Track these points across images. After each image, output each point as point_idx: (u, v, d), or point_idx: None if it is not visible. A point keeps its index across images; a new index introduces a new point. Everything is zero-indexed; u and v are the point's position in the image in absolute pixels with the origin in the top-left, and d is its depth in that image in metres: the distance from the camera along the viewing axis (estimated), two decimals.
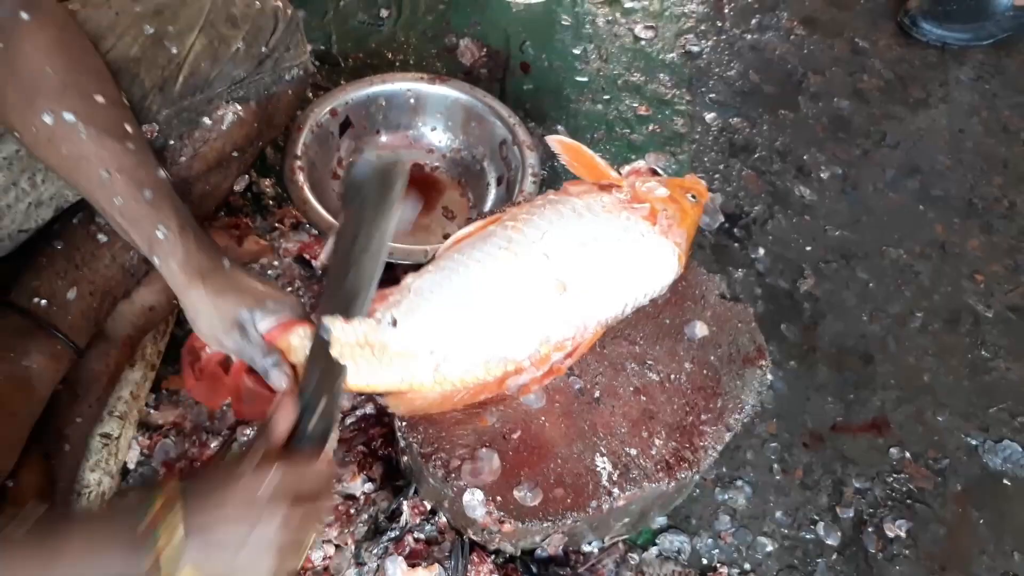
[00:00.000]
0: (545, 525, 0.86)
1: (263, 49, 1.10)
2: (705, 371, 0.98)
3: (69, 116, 0.84)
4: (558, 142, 1.11)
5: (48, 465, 1.00)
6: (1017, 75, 1.84)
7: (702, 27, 1.84)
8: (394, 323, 0.87)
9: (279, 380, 0.85)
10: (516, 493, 0.86)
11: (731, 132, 1.65)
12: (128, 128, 0.88)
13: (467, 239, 0.95)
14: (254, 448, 0.74)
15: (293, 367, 0.86)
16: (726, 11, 1.89)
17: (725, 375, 0.98)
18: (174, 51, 1.02)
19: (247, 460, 0.72)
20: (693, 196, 1.06)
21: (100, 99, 0.87)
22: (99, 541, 0.66)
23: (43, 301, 0.97)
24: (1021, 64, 1.86)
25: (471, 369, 0.87)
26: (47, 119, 0.84)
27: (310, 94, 1.53)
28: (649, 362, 0.98)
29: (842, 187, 1.59)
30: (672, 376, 0.97)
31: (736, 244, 1.47)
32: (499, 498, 0.86)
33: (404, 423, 0.90)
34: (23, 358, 0.92)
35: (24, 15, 0.85)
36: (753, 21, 1.87)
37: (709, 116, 1.67)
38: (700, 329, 1.01)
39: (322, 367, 0.83)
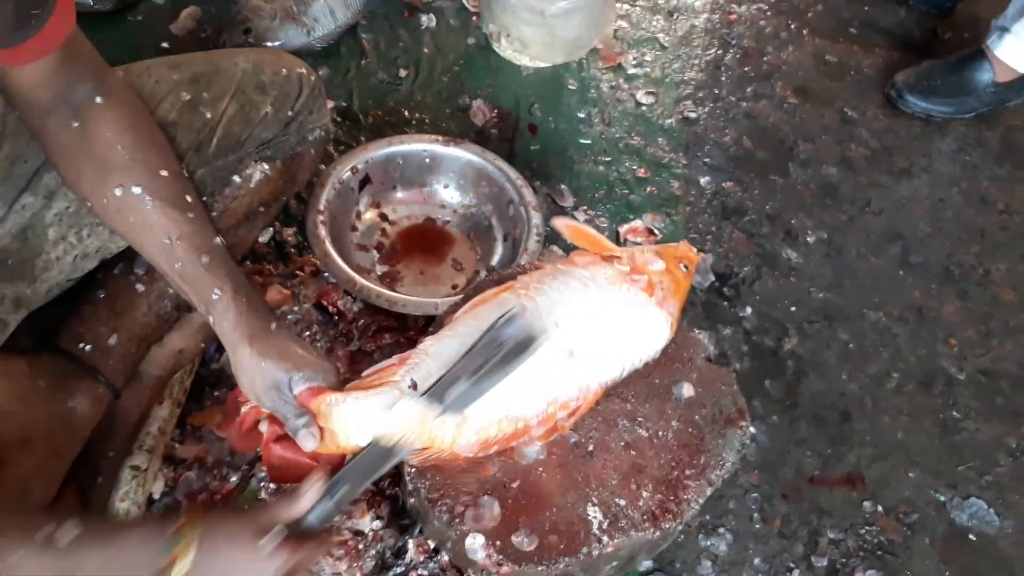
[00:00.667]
0: (540, 569, 0.93)
1: (289, 113, 1.19)
2: (690, 429, 1.06)
3: (136, 189, 0.93)
4: (565, 226, 1.19)
5: (82, 496, 1.07)
6: (997, 148, 1.93)
7: (700, 94, 1.94)
8: (414, 386, 0.95)
9: (307, 441, 0.93)
10: (514, 538, 0.94)
11: (724, 195, 1.74)
12: (188, 199, 0.97)
13: (482, 304, 1.04)
14: (274, 508, 0.83)
15: (321, 430, 0.94)
16: (723, 79, 1.98)
17: (708, 434, 1.06)
18: (208, 115, 1.11)
19: (264, 514, 0.81)
20: (685, 266, 1.15)
21: (164, 173, 0.96)
22: (127, 539, 0.77)
23: (88, 346, 1.05)
24: (1001, 137, 1.95)
25: (486, 428, 0.95)
26: (117, 192, 0.93)
27: (331, 150, 1.62)
28: (639, 419, 1.06)
29: (827, 251, 1.68)
30: (660, 433, 1.05)
31: (725, 303, 1.56)
32: (498, 542, 0.93)
33: (413, 469, 0.98)
34: (69, 399, 1.01)
35: (99, 99, 0.94)
36: (748, 89, 1.97)
37: (704, 180, 1.76)
38: (687, 390, 1.09)
39: (365, 464, 0.92)
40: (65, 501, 1.04)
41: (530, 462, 0.99)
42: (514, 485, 0.98)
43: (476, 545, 0.93)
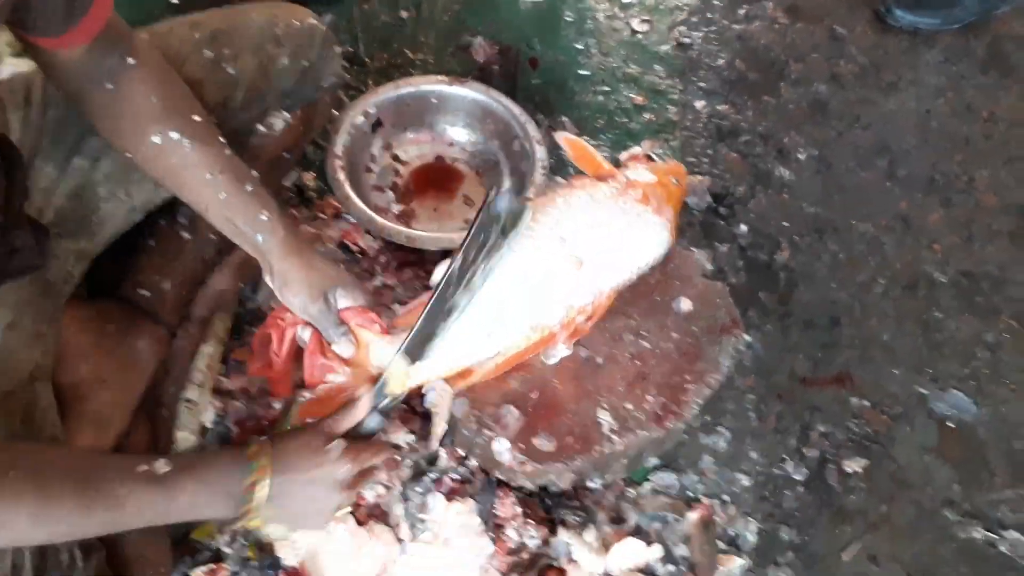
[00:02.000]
0: (558, 466, 1.08)
1: (304, 63, 1.28)
2: (689, 339, 1.19)
3: (174, 134, 1.01)
4: (565, 140, 1.31)
5: (151, 426, 1.21)
6: (983, 57, 2.01)
7: (693, 19, 2.01)
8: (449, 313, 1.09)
9: (346, 349, 1.07)
10: (535, 441, 1.08)
11: (719, 118, 1.83)
12: (220, 138, 1.06)
13: None
14: (332, 421, 0.97)
15: (357, 340, 1.08)
16: (715, 2, 2.05)
17: (705, 342, 1.19)
18: (231, 71, 1.20)
19: (324, 427, 0.95)
20: (675, 179, 1.26)
21: (196, 117, 1.04)
22: (212, 466, 0.89)
23: (146, 292, 1.18)
24: (987, 46, 2.03)
25: (517, 340, 1.09)
26: (156, 139, 1.01)
27: (342, 95, 1.71)
28: (643, 333, 1.19)
29: (818, 167, 1.78)
30: (662, 344, 1.18)
31: (722, 221, 1.67)
32: (521, 445, 1.07)
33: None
34: (136, 341, 1.13)
35: (129, 60, 1.03)
36: (740, 11, 2.03)
37: (699, 104, 1.85)
38: (685, 305, 1.21)
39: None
40: (138, 432, 1.17)
41: (556, 362, 1.14)
42: (533, 396, 1.12)
43: (502, 448, 1.07)
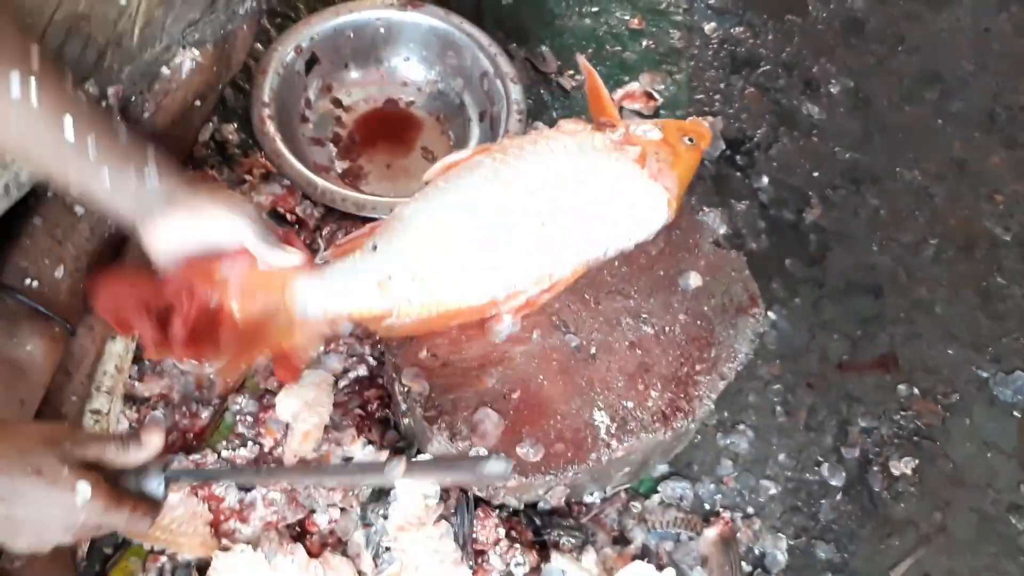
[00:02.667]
0: (547, 479, 1.12)
1: None
2: (699, 322, 1.24)
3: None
4: (584, 65, 1.39)
5: None
6: None
7: None
8: (374, 248, 1.12)
9: (292, 257, 1.07)
10: (519, 450, 1.12)
11: (733, 44, 1.88)
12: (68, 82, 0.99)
13: (455, 167, 1.19)
14: (101, 443, 0.88)
15: None
16: None
17: (719, 325, 1.24)
18: (123, 2, 1.22)
19: (86, 443, 0.87)
20: (690, 139, 1.29)
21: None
22: None
23: (34, 282, 1.20)
24: None
25: (447, 293, 1.12)
26: None
27: (266, 24, 1.73)
28: (644, 315, 1.23)
29: (853, 102, 1.83)
30: (667, 328, 1.23)
31: (738, 173, 1.72)
32: (502, 455, 1.12)
33: (406, 388, 1.16)
34: (25, 343, 1.16)
35: None
36: None
37: (708, 27, 1.90)
38: (694, 280, 1.26)
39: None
40: None
41: (502, 340, 1.18)
42: (515, 395, 1.16)
43: None
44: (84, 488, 0.83)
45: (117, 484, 0.88)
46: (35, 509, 0.83)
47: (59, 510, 0.84)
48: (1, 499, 0.82)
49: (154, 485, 0.91)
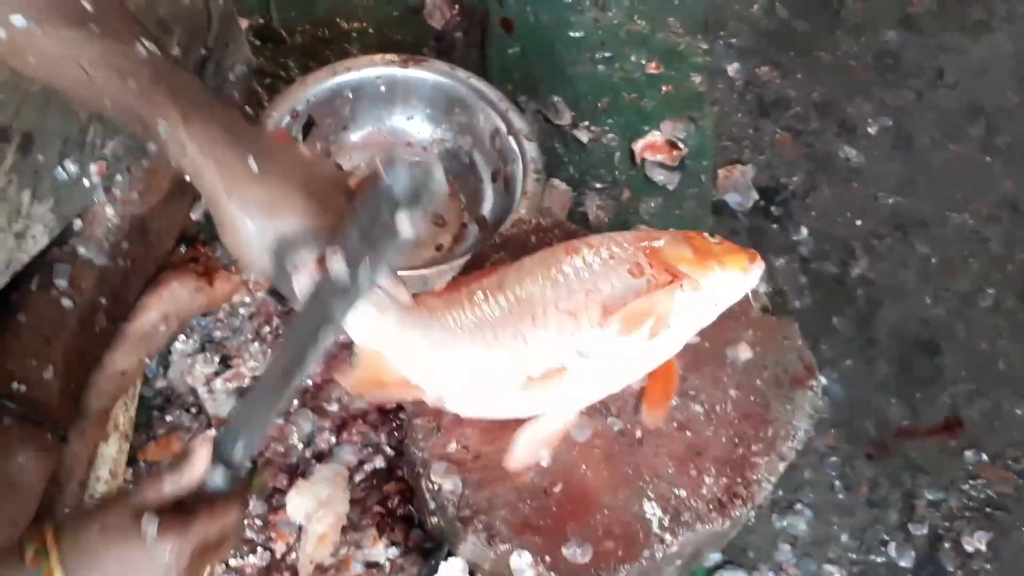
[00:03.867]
0: None
1: (202, 51, 1.30)
2: (752, 397, 1.22)
3: (17, 19, 0.91)
4: None
5: None
6: None
7: None
8: None
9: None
10: (565, 551, 1.10)
11: (759, 85, 1.88)
12: (88, 6, 0.95)
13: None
14: (152, 482, 0.90)
15: None
16: None
17: (774, 399, 1.22)
18: None
19: (139, 491, 0.89)
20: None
21: None
22: None
23: (22, 386, 1.19)
24: None
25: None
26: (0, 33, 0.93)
27: (257, 88, 1.73)
28: (691, 393, 1.21)
29: (893, 142, 1.83)
30: (717, 406, 1.21)
31: (774, 225, 1.71)
32: (548, 557, 1.09)
33: (436, 485, 1.14)
34: (16, 455, 1.14)
35: None
36: None
37: (731, 68, 1.90)
38: (743, 352, 1.24)
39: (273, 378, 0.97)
40: None
41: (569, 459, 1.16)
42: (556, 489, 1.14)
43: (523, 564, 1.09)
44: (151, 526, 0.85)
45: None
46: (118, 565, 0.86)
47: (140, 554, 0.85)
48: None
49: (220, 481, 0.91)
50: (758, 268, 1.15)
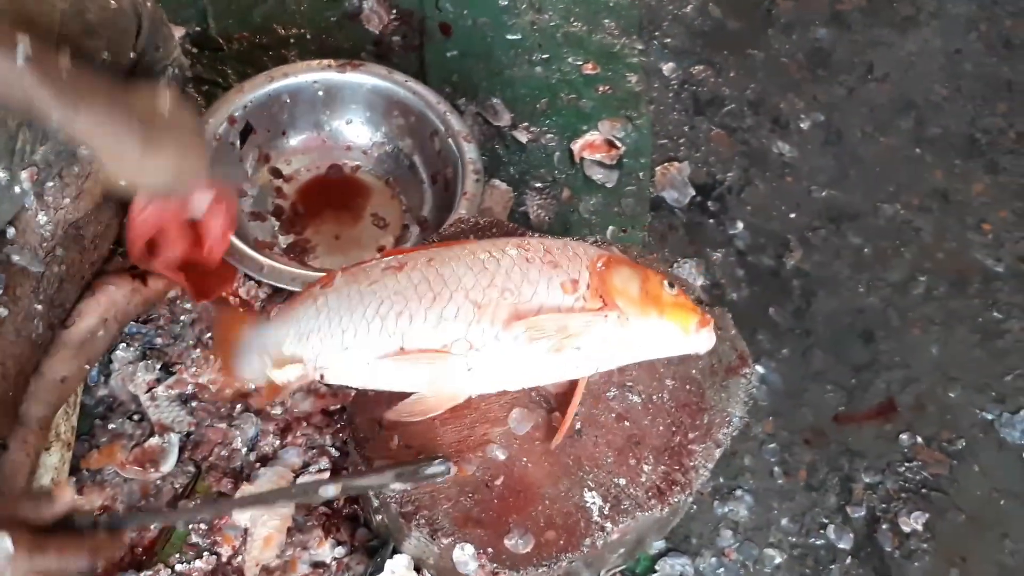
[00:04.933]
0: (541, 571, 1.11)
1: (131, 56, 1.31)
2: (688, 386, 1.24)
3: None
4: None
5: None
6: None
7: None
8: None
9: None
10: (507, 542, 1.11)
11: (694, 84, 1.91)
12: None
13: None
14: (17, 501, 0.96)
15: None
16: None
17: (709, 388, 1.24)
18: None
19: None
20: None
21: None
22: None
23: None
24: None
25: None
26: None
27: (193, 92, 1.73)
28: (628, 383, 1.24)
29: (826, 137, 1.87)
30: (654, 396, 1.23)
31: (711, 220, 1.74)
32: (490, 549, 1.11)
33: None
34: None
35: None
36: None
37: (666, 67, 1.93)
38: None
39: None
40: None
41: (509, 454, 1.18)
42: (497, 483, 1.15)
43: (466, 556, 1.10)
44: (5, 542, 0.89)
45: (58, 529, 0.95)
46: None
47: None
48: None
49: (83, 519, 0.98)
50: (707, 334, 1.15)
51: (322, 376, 1.15)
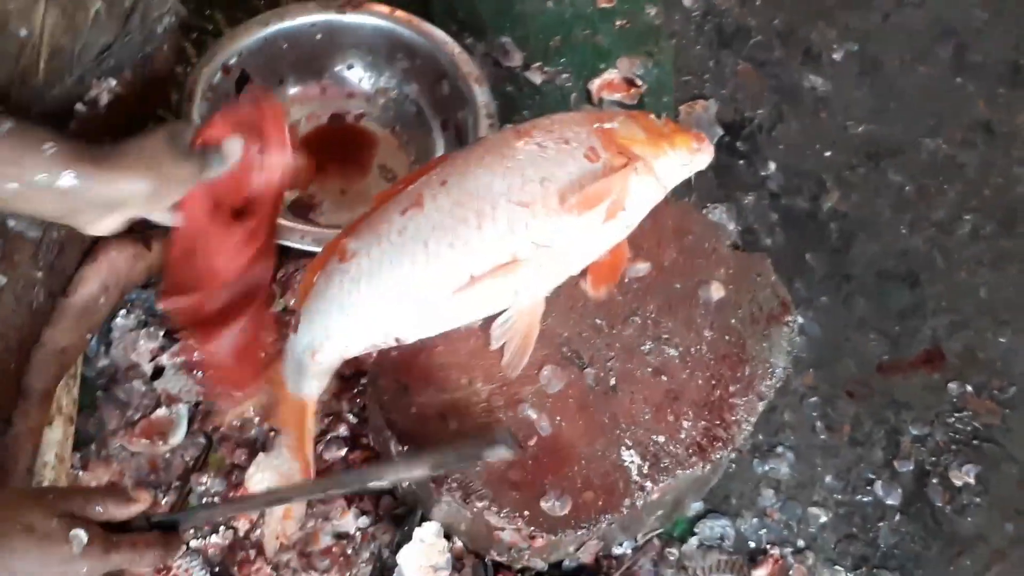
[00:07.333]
0: (580, 533, 1.15)
1: (127, 3, 1.32)
2: (727, 336, 1.27)
3: None
4: None
5: None
6: None
7: None
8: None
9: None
10: (543, 504, 1.15)
11: (717, 15, 1.93)
12: None
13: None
14: (94, 496, 0.98)
15: None
16: None
17: (749, 338, 1.27)
18: (23, 32, 1.23)
19: (78, 499, 0.97)
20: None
21: None
22: None
23: None
24: None
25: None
26: None
27: (185, 44, 1.75)
28: (664, 336, 1.27)
29: (860, 68, 1.89)
30: (692, 348, 1.26)
31: (741, 161, 1.76)
32: (526, 512, 1.14)
33: (405, 448, 1.18)
34: None
35: None
36: None
37: None
38: (716, 290, 1.29)
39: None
40: None
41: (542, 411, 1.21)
42: (531, 443, 1.19)
43: (501, 520, 1.14)
44: (80, 536, 0.92)
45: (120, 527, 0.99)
46: (36, 566, 0.92)
47: (58, 562, 0.92)
48: (8, 568, 0.91)
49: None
50: (707, 148, 1.23)
51: (397, 340, 1.18)
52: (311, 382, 1.22)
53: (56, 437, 1.38)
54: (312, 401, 1.24)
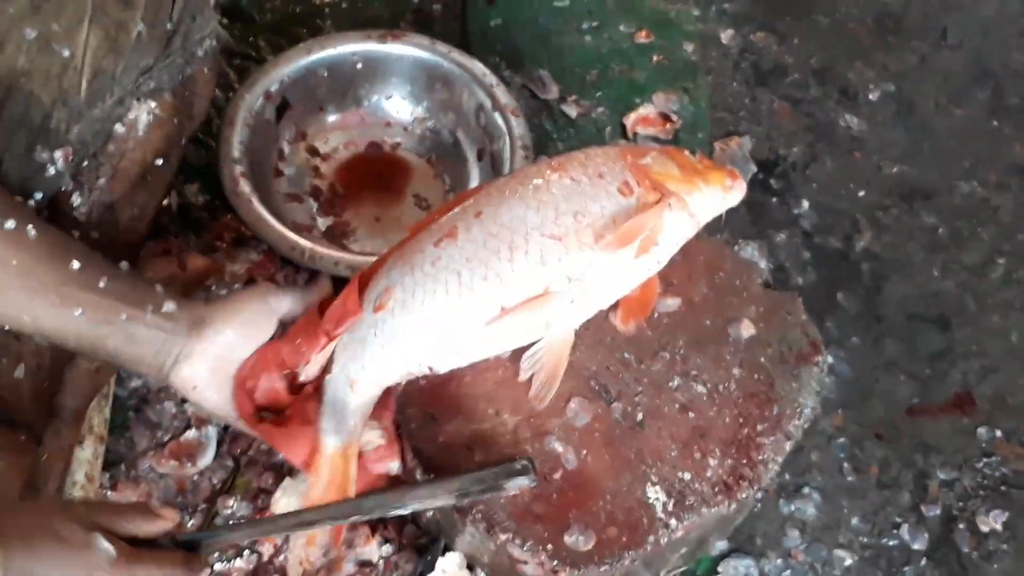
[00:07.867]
0: (603, 569, 1.15)
1: (168, 26, 1.33)
2: (756, 375, 1.27)
3: None
4: None
5: None
6: None
7: None
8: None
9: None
10: (567, 538, 1.15)
11: (754, 53, 1.93)
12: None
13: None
14: (123, 512, 1.00)
15: None
16: None
17: (778, 378, 1.27)
18: (66, 54, 1.25)
19: (106, 513, 0.99)
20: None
21: None
22: None
23: None
24: None
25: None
26: None
27: (227, 68, 1.77)
28: (693, 373, 1.27)
29: (897, 109, 1.89)
30: (720, 386, 1.26)
31: (774, 199, 1.77)
32: (550, 546, 1.14)
33: (432, 476, 1.19)
34: None
35: None
36: None
37: (725, 35, 1.95)
38: (745, 328, 1.30)
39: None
40: None
41: (569, 442, 1.21)
42: (556, 476, 1.19)
43: (524, 554, 1.14)
44: (107, 548, 0.94)
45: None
46: (59, 572, 0.93)
47: (82, 570, 0.94)
48: (32, 572, 0.91)
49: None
50: (740, 185, 1.23)
51: (431, 368, 1.18)
52: (352, 419, 1.19)
53: (86, 456, 1.39)
54: (354, 445, 1.20)
